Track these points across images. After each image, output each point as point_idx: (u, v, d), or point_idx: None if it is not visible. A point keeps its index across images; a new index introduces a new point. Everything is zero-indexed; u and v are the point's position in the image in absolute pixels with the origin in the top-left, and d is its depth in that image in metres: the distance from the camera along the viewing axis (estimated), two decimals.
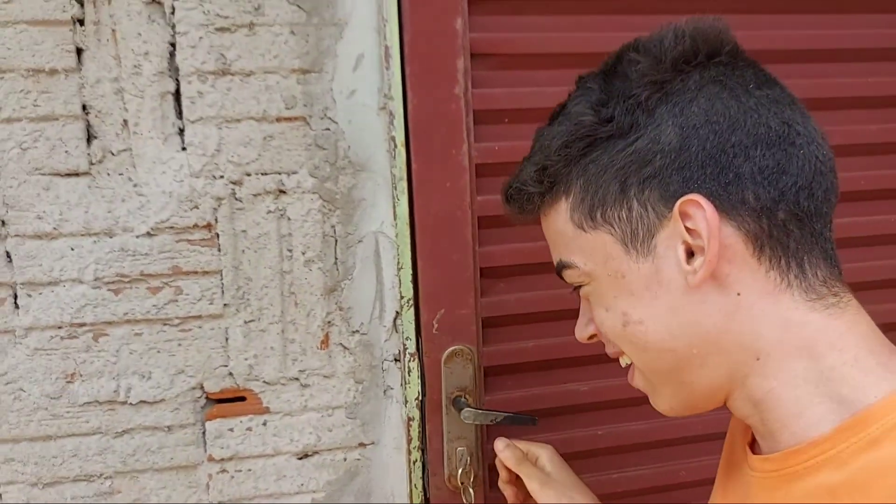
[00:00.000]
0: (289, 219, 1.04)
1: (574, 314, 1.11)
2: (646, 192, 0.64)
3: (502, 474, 1.00)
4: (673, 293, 0.64)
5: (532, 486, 0.95)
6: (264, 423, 1.07)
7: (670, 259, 0.63)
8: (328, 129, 1.03)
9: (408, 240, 1.06)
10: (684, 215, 0.62)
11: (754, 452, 0.70)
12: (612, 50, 0.70)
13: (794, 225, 0.63)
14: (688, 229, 0.62)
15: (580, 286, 0.71)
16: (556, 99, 1.04)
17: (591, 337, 0.76)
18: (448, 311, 1.07)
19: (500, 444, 0.99)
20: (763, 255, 0.63)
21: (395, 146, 1.04)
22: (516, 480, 0.98)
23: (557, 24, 1.07)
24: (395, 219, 1.06)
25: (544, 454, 0.99)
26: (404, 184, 1.05)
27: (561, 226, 0.70)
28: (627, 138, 0.64)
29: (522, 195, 0.72)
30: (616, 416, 1.17)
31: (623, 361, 0.74)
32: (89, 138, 0.98)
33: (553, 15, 1.07)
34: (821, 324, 0.63)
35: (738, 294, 0.63)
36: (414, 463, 1.11)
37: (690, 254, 0.62)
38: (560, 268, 0.72)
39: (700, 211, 0.61)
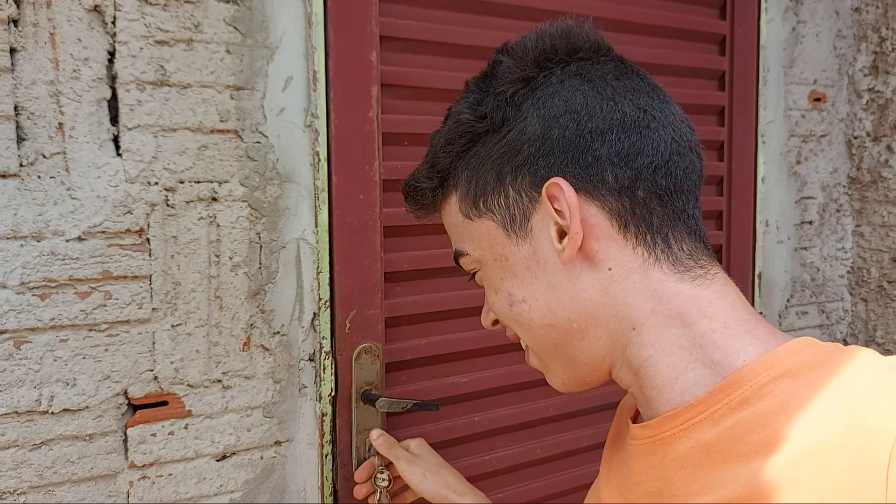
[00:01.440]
0: (218, 225, 1.09)
1: (459, 314, 1.29)
2: (518, 179, 0.68)
3: (359, 476, 1.15)
4: (550, 271, 0.68)
5: (401, 466, 1.11)
6: (186, 427, 1.09)
7: (545, 239, 0.68)
8: (259, 143, 1.11)
9: (327, 246, 1.16)
10: (552, 198, 0.66)
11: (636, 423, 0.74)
12: None
13: (656, 203, 0.67)
14: (556, 210, 0.66)
15: (474, 273, 0.76)
16: None
17: (494, 323, 0.79)
18: (359, 312, 1.18)
19: (374, 433, 1.15)
20: (629, 231, 0.67)
21: (319, 160, 1.14)
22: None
23: (451, 64, 1.25)
24: (316, 226, 1.15)
25: (413, 442, 1.16)
26: (325, 195, 1.15)
27: (453, 217, 0.75)
28: (500, 132, 0.69)
29: (417, 192, 0.78)
30: (489, 404, 1.34)
31: (523, 343, 0.77)
32: (20, 140, 0.97)
33: (448, 57, 1.25)
34: (691, 294, 0.67)
35: (609, 269, 0.67)
36: (325, 456, 1.19)
37: (563, 234, 0.67)
38: (456, 256, 0.77)
39: (561, 192, 0.65)
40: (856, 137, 1.79)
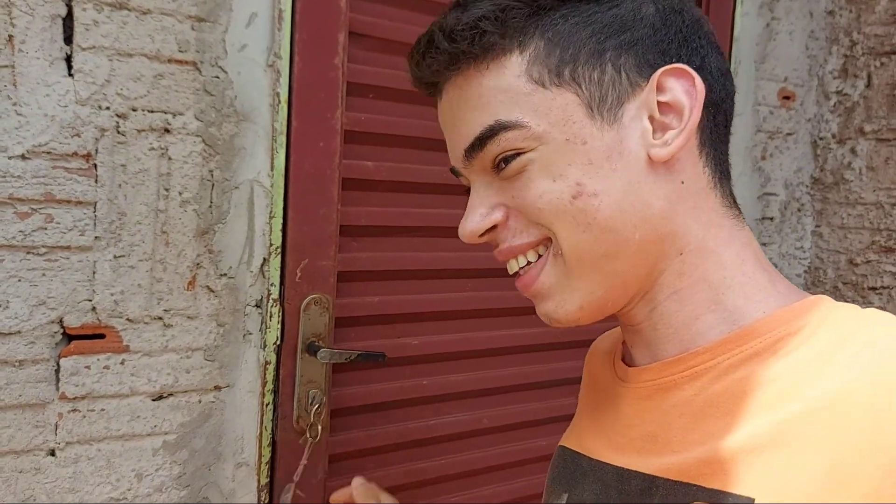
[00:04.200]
0: (170, 158, 1.06)
1: (415, 275, 1.27)
2: (622, 58, 0.61)
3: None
4: (632, 168, 0.61)
5: None
6: (122, 363, 1.06)
7: (635, 131, 0.61)
8: (217, 77, 1.08)
9: (282, 191, 1.14)
10: (661, 86, 0.61)
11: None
12: None
13: (724, 130, 0.65)
14: (661, 103, 0.61)
15: (504, 159, 0.63)
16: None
17: (486, 232, 0.67)
18: (311, 262, 1.16)
19: (357, 480, 0.92)
20: (704, 148, 0.64)
21: (279, 102, 1.12)
22: None
23: (423, 20, 1.24)
24: (271, 170, 1.13)
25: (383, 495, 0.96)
26: (283, 138, 1.13)
27: (507, 81, 0.62)
28: (602, 4, 0.63)
29: (463, 35, 0.62)
30: (439, 369, 1.32)
31: (516, 265, 0.67)
32: None
33: (419, 13, 1.23)
34: (733, 231, 0.64)
35: (682, 182, 0.63)
36: (266, 406, 1.16)
37: (654, 130, 0.61)
38: (492, 132, 0.63)
39: (681, 82, 0.61)
40: (821, 138, 1.80)
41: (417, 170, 1.25)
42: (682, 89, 0.61)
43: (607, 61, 0.61)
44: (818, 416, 0.53)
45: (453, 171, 0.69)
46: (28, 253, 0.99)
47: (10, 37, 0.95)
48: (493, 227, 0.66)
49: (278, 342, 1.16)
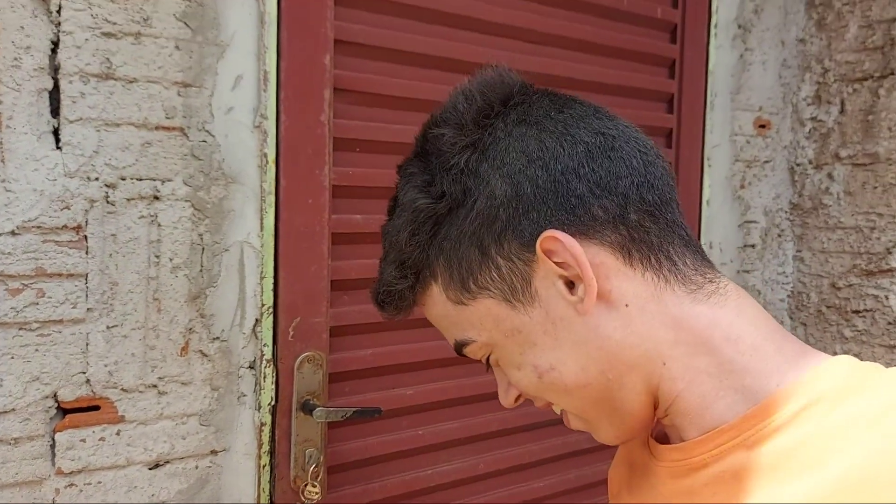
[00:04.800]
0: (160, 225, 1.06)
1: (406, 325, 1.27)
2: (505, 247, 0.64)
3: None
4: (569, 328, 0.64)
5: None
6: (118, 433, 1.05)
7: (554, 298, 0.64)
8: (205, 142, 1.08)
9: (272, 250, 1.14)
10: (549, 252, 0.63)
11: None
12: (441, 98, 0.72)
13: (649, 221, 0.65)
14: (557, 264, 0.63)
15: (487, 357, 0.70)
16: (399, 135, 1.23)
17: (516, 399, 0.73)
18: (303, 319, 1.16)
19: None
20: (633, 259, 0.64)
21: (267, 162, 1.12)
22: None
23: (405, 72, 1.24)
24: (261, 230, 1.13)
25: None
26: (272, 198, 1.13)
27: (441, 309, 0.69)
28: (465, 206, 0.65)
29: (394, 296, 0.71)
30: (434, 417, 1.32)
31: (556, 409, 0.72)
32: None
33: (402, 65, 1.24)
34: (710, 316, 0.64)
35: (627, 305, 0.64)
36: (263, 467, 1.15)
37: (570, 285, 0.64)
38: (459, 347, 0.70)
39: (559, 244, 0.62)
40: (798, 164, 1.83)
41: None
42: (562, 248, 0.62)
43: (495, 256, 0.65)
44: (843, 490, 0.53)
45: None
46: (20, 329, 0.98)
47: None
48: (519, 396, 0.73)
49: (273, 403, 1.15)
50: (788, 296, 1.86)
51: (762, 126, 1.78)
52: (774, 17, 1.80)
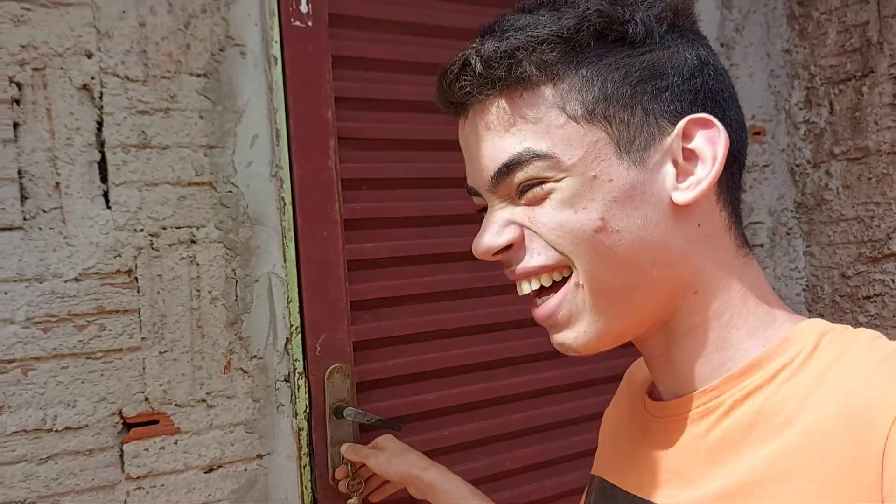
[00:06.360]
0: (198, 264, 1.26)
1: (422, 337, 1.43)
2: (652, 103, 0.64)
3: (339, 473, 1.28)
4: (654, 209, 0.64)
5: (369, 461, 1.24)
6: (175, 442, 1.24)
7: (660, 175, 0.64)
8: (230, 192, 1.29)
9: (295, 279, 1.32)
10: (687, 133, 0.64)
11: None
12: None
13: (738, 178, 0.69)
14: (684, 149, 0.64)
15: (527, 186, 0.66)
16: (398, 172, 1.41)
17: (500, 250, 0.69)
18: (328, 336, 1.34)
19: (343, 447, 1.28)
20: (721, 195, 0.67)
21: (285, 205, 1.31)
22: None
23: (400, 118, 1.43)
24: (284, 262, 1.32)
25: (379, 439, 1.29)
26: (292, 234, 1.32)
27: (541, 112, 0.65)
28: (636, 48, 0.65)
29: (510, 63, 0.64)
30: (458, 420, 1.47)
31: (528, 287, 0.69)
32: (23, 198, 1.15)
33: (397, 111, 1.43)
34: (742, 270, 0.68)
35: (699, 226, 0.66)
36: (304, 468, 1.32)
37: (676, 175, 0.64)
38: (522, 160, 0.65)
39: (706, 131, 0.64)
40: (797, 165, 1.93)
41: (412, 244, 1.43)
42: (706, 138, 0.64)
43: (638, 104, 0.64)
44: (806, 451, 0.57)
45: (469, 190, 0.73)
46: (87, 358, 1.18)
47: (57, 184, 1.17)
48: (509, 247, 0.68)
49: (308, 410, 1.32)
50: (804, 290, 1.94)
51: (757, 133, 1.90)
52: (757, 33, 1.93)
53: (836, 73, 1.85)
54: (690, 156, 0.65)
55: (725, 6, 1.89)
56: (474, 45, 0.67)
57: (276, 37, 1.31)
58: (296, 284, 1.32)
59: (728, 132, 0.65)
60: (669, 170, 0.64)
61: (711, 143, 0.64)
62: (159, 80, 1.24)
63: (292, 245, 1.32)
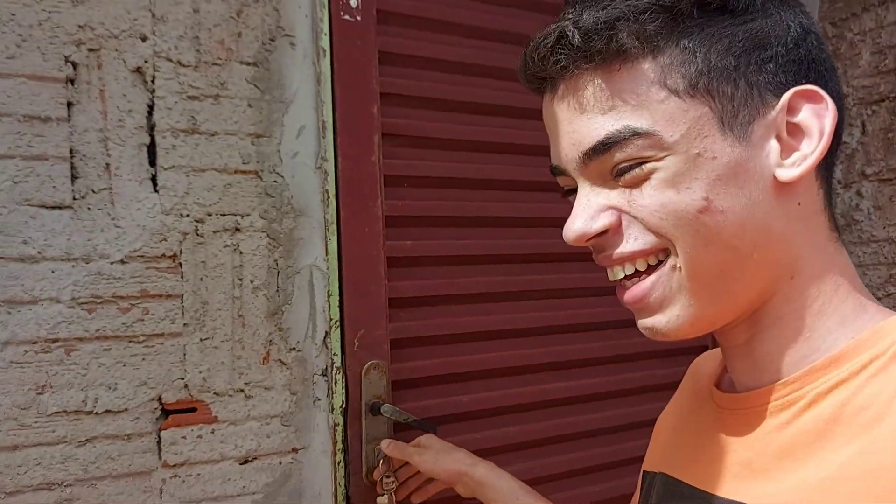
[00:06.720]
0: (241, 252, 1.25)
1: (459, 338, 1.42)
2: (756, 75, 0.61)
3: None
4: (757, 187, 0.61)
5: (414, 459, 1.22)
6: (212, 432, 1.22)
7: (764, 150, 0.61)
8: (276, 182, 1.28)
9: (336, 272, 1.32)
10: (792, 106, 0.61)
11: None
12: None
13: (835, 154, 0.65)
14: (789, 123, 0.61)
15: (626, 167, 0.62)
16: (440, 170, 1.41)
17: (595, 236, 0.66)
18: (367, 332, 1.33)
19: (384, 443, 1.26)
20: (820, 174, 0.64)
21: (329, 197, 1.31)
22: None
23: (444, 117, 1.44)
24: (326, 255, 1.31)
25: (422, 438, 1.27)
26: (334, 227, 1.32)
27: (640, 86, 0.62)
28: (738, 17, 0.62)
29: (610, 34, 0.61)
30: (492, 423, 1.46)
31: (622, 272, 0.67)
32: (74, 177, 1.15)
33: (441, 111, 1.44)
34: (835, 256, 0.65)
35: (799, 204, 0.63)
36: (338, 464, 1.30)
37: (780, 150, 0.62)
38: (620, 138, 0.62)
39: (812, 104, 0.61)
40: None
41: (452, 244, 1.42)
42: (812, 112, 0.61)
43: (741, 76, 0.61)
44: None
45: (554, 170, 0.70)
46: (130, 341, 1.17)
47: (107, 165, 1.17)
48: (604, 232, 0.65)
49: (344, 405, 1.31)
50: None
51: None
52: None
53: (870, 94, 1.86)
54: (795, 130, 0.62)
55: None
56: (570, 15, 0.63)
57: (326, 29, 1.31)
58: (336, 278, 1.32)
59: (842, 109, 0.63)
60: (773, 145, 0.61)
61: (818, 116, 0.61)
62: (210, 66, 1.24)
63: (335, 238, 1.32)
